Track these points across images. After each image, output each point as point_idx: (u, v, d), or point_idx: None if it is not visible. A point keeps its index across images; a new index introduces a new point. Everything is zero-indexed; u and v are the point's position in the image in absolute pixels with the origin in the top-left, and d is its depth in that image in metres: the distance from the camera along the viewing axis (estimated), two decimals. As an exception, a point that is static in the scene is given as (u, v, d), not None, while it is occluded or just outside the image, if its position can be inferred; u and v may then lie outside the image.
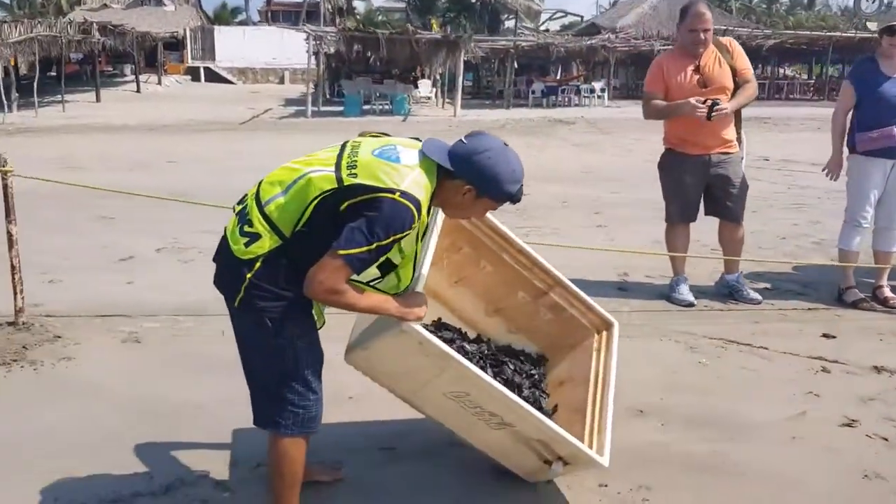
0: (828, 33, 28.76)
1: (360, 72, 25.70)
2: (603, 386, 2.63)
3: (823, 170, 4.81)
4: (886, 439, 3.03)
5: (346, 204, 2.01)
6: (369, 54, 22.80)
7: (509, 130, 16.92)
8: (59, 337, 4.03)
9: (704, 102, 4.24)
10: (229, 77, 37.95)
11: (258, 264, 2.06)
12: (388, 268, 2.18)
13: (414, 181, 2.02)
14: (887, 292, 4.63)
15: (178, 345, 3.98)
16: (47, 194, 6.87)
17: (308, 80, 22.85)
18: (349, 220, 1.99)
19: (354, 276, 2.06)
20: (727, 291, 4.75)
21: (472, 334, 2.85)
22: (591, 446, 2.45)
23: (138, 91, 29.04)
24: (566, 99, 25.10)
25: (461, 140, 2.15)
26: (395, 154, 2.07)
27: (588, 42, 26.71)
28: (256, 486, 2.65)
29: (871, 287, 4.70)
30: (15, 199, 4.13)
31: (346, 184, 2.01)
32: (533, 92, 24.96)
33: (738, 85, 4.45)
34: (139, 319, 4.31)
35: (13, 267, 4.17)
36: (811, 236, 6.50)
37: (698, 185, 4.56)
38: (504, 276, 2.83)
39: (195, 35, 38.48)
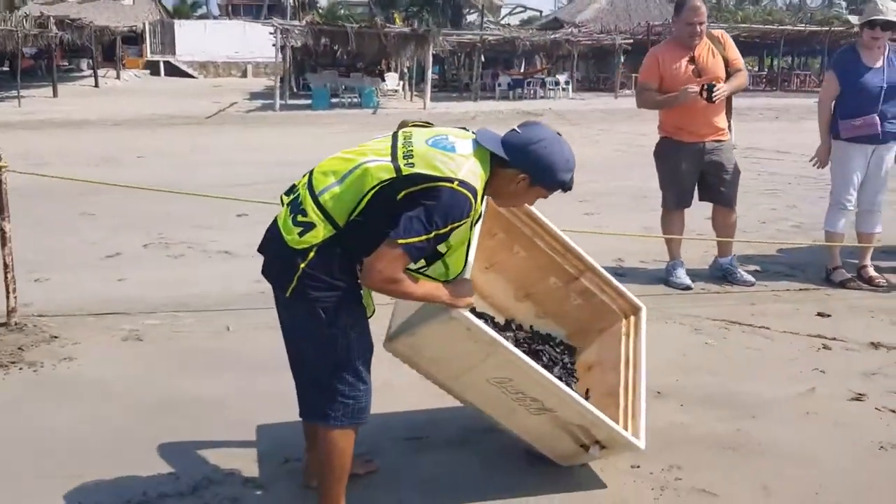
0: (779, 27, 29.41)
1: (325, 65, 25.53)
2: (635, 370, 2.67)
3: (811, 160, 4.90)
4: (894, 411, 3.13)
5: (403, 193, 2.01)
6: (336, 47, 22.64)
7: (480, 122, 16.96)
8: (55, 337, 3.93)
9: (701, 87, 4.33)
10: (190, 71, 37.38)
11: (312, 254, 2.05)
12: (433, 257, 2.18)
13: (470, 170, 2.04)
14: (871, 272, 4.78)
15: (183, 341, 3.92)
16: (25, 191, 6.69)
17: (275, 74, 22.59)
18: (406, 210, 1.99)
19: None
20: (721, 274, 4.85)
21: (500, 320, 2.86)
22: (626, 429, 2.50)
23: (97, 86, 28.43)
24: (532, 91, 25.31)
25: (514, 129, 2.17)
26: (449, 143, 2.08)
27: (552, 36, 26.99)
28: (287, 482, 2.63)
29: (856, 267, 4.84)
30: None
31: (404, 173, 2.01)
32: (499, 85, 25.15)
33: (730, 75, 4.56)
34: (138, 317, 4.23)
35: (6, 265, 4.06)
36: (790, 220, 6.67)
37: (694, 173, 4.65)
38: (537, 261, 2.85)
39: (154, 29, 37.83)
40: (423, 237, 1.97)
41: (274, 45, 21.91)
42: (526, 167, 2.11)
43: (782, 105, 21.43)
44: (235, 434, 2.93)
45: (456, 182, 1.99)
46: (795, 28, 29.16)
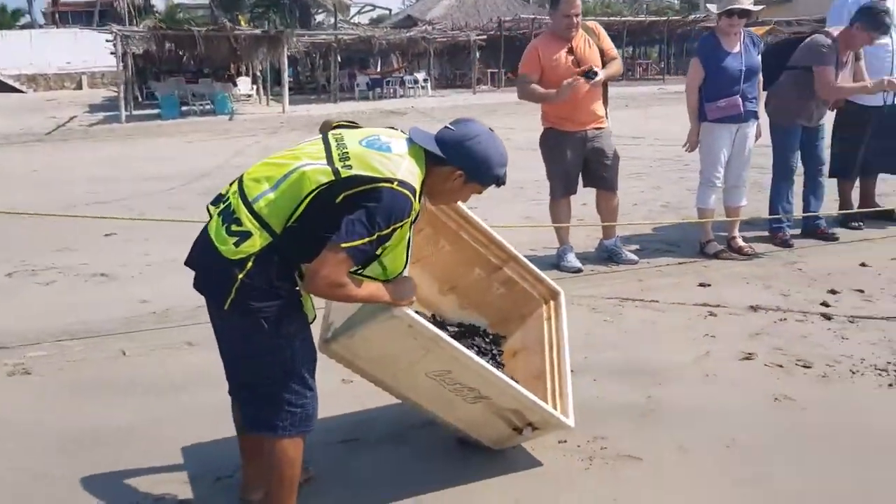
0: (622, 19, 31.10)
1: (170, 72, 24.34)
2: (559, 351, 2.79)
3: (684, 144, 5.23)
4: (782, 366, 3.45)
5: (343, 196, 1.99)
6: (182, 53, 21.67)
7: (343, 124, 16.83)
8: (-72, 383, 3.57)
9: (584, 71, 4.56)
10: (17, 85, 34.48)
11: (250, 263, 1.99)
12: (370, 258, 2.17)
13: (408, 169, 2.05)
14: (740, 242, 5.21)
15: (77, 371, 3.66)
16: None
17: (115, 83, 21.30)
18: (346, 212, 1.97)
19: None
20: (607, 255, 5.12)
21: (427, 314, 2.89)
22: (556, 409, 2.61)
23: None
24: (391, 90, 25.35)
25: (447, 126, 2.20)
26: (383, 143, 2.08)
27: (408, 34, 27.12)
28: (223, 499, 2.55)
29: (726, 238, 5.25)
30: None
31: (343, 175, 1.99)
32: (358, 85, 25.02)
33: (605, 63, 4.81)
34: (19, 350, 3.90)
35: None
36: (658, 200, 7.11)
37: (578, 160, 4.87)
38: (462, 254, 2.90)
39: (-28, 43, 34.61)
40: (367, 239, 1.96)
41: (113, 52, 20.64)
42: (462, 164, 2.14)
43: (629, 93, 22.68)
44: (158, 459, 2.80)
45: (395, 182, 1.99)
46: (636, 19, 30.96)
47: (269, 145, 13.03)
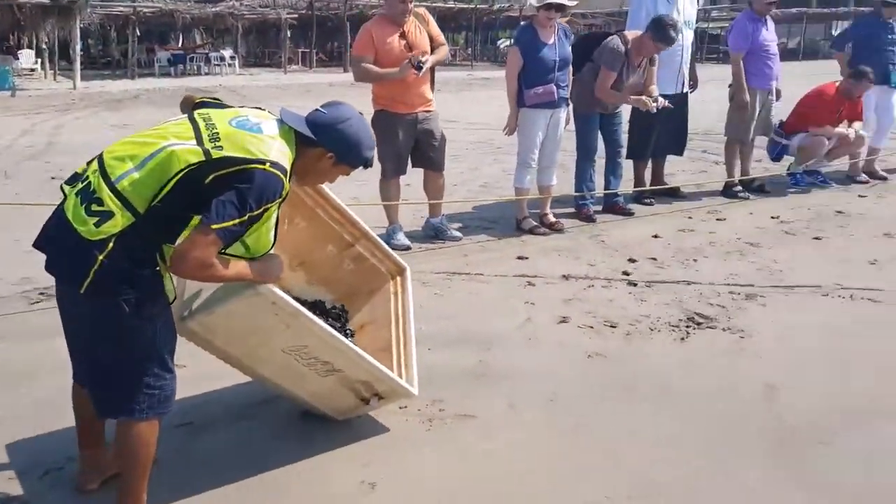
0: (431, 4, 31.69)
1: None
2: (404, 325, 2.93)
3: (504, 128, 5.54)
4: (592, 327, 3.84)
5: (212, 176, 1.97)
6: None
7: (145, 101, 15.87)
8: None
9: (410, 60, 4.70)
10: None
11: (111, 244, 1.93)
12: None
13: (279, 150, 2.06)
14: (552, 218, 5.65)
15: None
16: None
17: None
18: (216, 193, 1.96)
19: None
20: (433, 233, 5.34)
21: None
22: (402, 379, 2.75)
23: None
24: (196, 67, 24.13)
25: (319, 109, 2.23)
26: (254, 124, 2.09)
27: (214, 9, 25.86)
28: (55, 492, 2.45)
29: (539, 215, 5.67)
30: None
31: (214, 156, 1.98)
32: (158, 61, 23.55)
33: (434, 49, 5.01)
34: None
35: None
36: (476, 181, 7.48)
37: (409, 141, 5.02)
38: (316, 230, 2.93)
39: None
40: (237, 220, 1.96)
41: None
42: (333, 146, 2.19)
43: (441, 78, 23.28)
44: (-23, 457, 2.61)
45: (267, 163, 2.00)
46: (445, 5, 31.67)
47: (63, 123, 12.04)
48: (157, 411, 2.14)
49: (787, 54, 32.52)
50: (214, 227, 1.93)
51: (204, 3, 27.03)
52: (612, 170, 6.07)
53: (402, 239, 5.07)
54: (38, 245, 2.06)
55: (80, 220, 1.96)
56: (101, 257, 1.93)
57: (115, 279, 1.96)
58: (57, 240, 2.02)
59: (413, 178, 5.49)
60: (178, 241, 2.04)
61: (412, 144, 5.06)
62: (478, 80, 23.56)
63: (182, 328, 2.30)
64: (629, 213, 6.07)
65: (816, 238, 5.42)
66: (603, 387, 3.24)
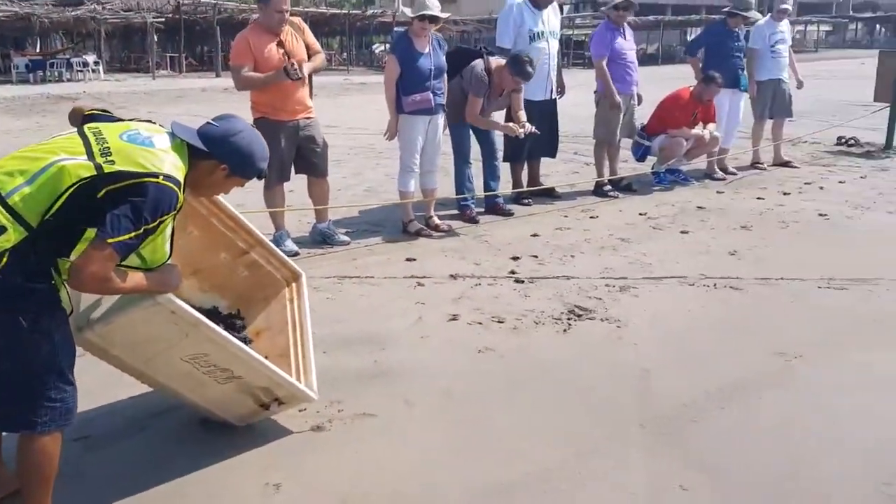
0: (304, 9, 31.43)
1: None
2: (302, 330, 2.96)
3: (385, 134, 5.63)
4: (481, 323, 3.99)
5: (105, 190, 1.97)
6: None
7: (2, 110, 14.86)
8: None
9: (290, 65, 4.72)
10: None
11: (5, 259, 1.90)
12: None
13: (172, 164, 2.08)
14: (437, 220, 5.80)
15: None
16: None
17: None
18: (110, 207, 1.96)
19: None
20: (321, 238, 5.37)
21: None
22: (301, 384, 2.79)
23: None
24: (57, 74, 22.78)
25: (210, 122, 2.25)
26: (145, 138, 2.09)
27: (74, 13, 24.47)
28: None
29: (424, 218, 5.80)
30: None
31: (106, 171, 1.97)
32: (16, 67, 22.06)
33: (310, 57, 5.05)
34: None
35: None
36: (360, 185, 7.53)
37: (291, 148, 5.03)
38: (210, 238, 2.90)
39: None
40: (133, 233, 1.97)
41: None
42: (226, 158, 2.22)
43: (317, 82, 23.15)
44: None
45: (161, 176, 2.02)
46: (318, 10, 31.49)
47: None
48: (59, 424, 2.11)
49: (647, 59, 34.54)
50: (110, 241, 1.94)
51: (63, 6, 25.53)
52: (490, 173, 6.30)
53: (290, 245, 5.07)
54: None
55: None
56: None
57: (10, 294, 1.93)
58: None
59: (296, 185, 5.49)
60: (73, 254, 2.01)
61: (294, 151, 5.07)
62: (355, 84, 23.52)
63: (80, 339, 2.25)
64: (509, 214, 6.31)
65: (681, 232, 5.84)
66: (494, 379, 3.39)
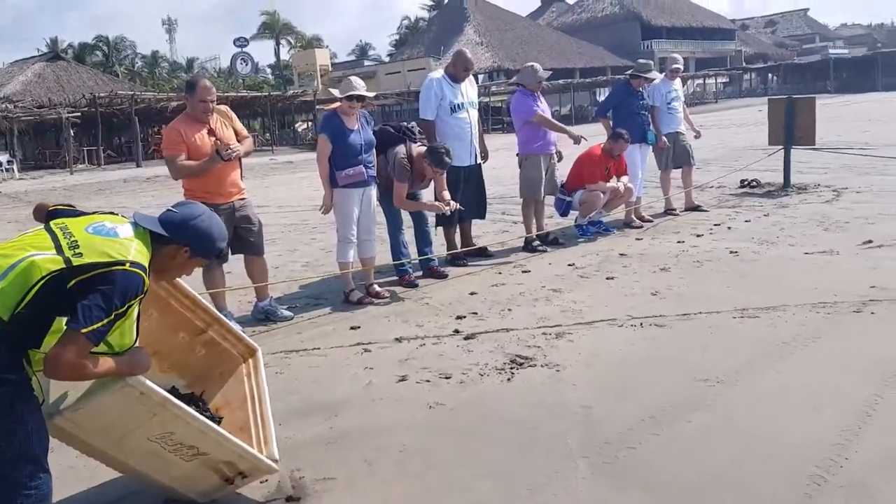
0: (224, 94, 31.80)
1: None
2: (261, 403, 3.11)
3: (320, 208, 5.88)
4: (429, 381, 4.20)
5: (75, 281, 2.11)
6: None
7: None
8: None
9: (218, 150, 5.00)
10: None
11: None
12: None
13: (137, 250, 2.25)
14: (377, 287, 6.03)
15: None
16: None
17: None
18: (79, 297, 2.10)
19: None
20: (263, 316, 5.51)
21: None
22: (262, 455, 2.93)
23: None
24: (-32, 175, 22.29)
25: (171, 210, 2.46)
26: (110, 229, 2.26)
27: (-18, 112, 24.15)
28: None
29: (364, 286, 6.02)
30: None
31: (75, 263, 2.12)
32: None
33: (239, 142, 5.32)
34: None
35: None
36: (297, 261, 7.71)
37: (229, 230, 5.18)
38: (168, 319, 3.04)
39: None
40: (105, 321, 2.11)
41: None
42: (188, 241, 2.42)
43: (245, 164, 23.30)
44: None
45: (127, 263, 2.18)
46: (239, 94, 31.86)
47: None
48: None
49: (562, 120, 35.86)
50: (84, 330, 2.08)
51: (-29, 106, 25.15)
52: (422, 238, 6.60)
53: (232, 325, 5.17)
54: None
55: None
56: None
57: None
58: None
59: (233, 265, 5.64)
60: (44, 345, 2.14)
61: (231, 232, 5.25)
62: (281, 163, 23.79)
63: (49, 426, 2.35)
64: (445, 276, 6.59)
65: (607, 278, 6.21)
66: (446, 431, 3.59)
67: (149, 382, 2.38)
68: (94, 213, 2.45)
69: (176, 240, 2.42)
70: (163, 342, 3.11)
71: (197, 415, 2.59)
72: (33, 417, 2.18)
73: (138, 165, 25.51)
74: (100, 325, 2.11)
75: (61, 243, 2.18)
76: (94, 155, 28.23)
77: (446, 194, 6.34)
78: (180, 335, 3.15)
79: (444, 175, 6.34)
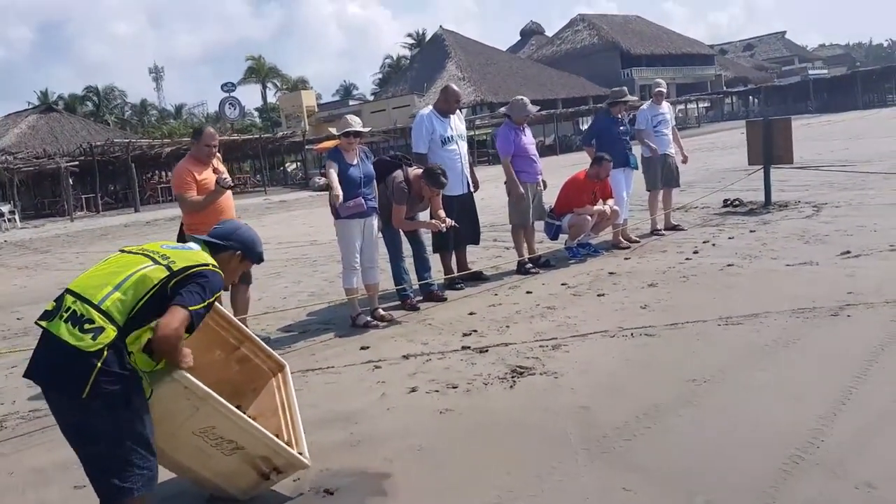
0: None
1: None
2: (291, 412, 3.44)
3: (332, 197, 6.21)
4: (438, 391, 4.53)
5: (174, 282, 2.57)
6: None
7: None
8: None
9: (218, 180, 5.51)
10: None
11: (106, 352, 2.43)
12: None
13: (210, 258, 2.74)
14: (382, 311, 6.37)
15: None
16: None
17: None
18: (180, 289, 2.55)
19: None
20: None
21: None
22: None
23: None
24: (-31, 226, 22.56)
25: (217, 227, 2.99)
26: (184, 245, 2.81)
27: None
28: None
29: (370, 310, 6.36)
30: None
31: (175, 268, 2.59)
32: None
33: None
34: None
35: None
36: (303, 292, 8.05)
37: None
38: (205, 337, 3.35)
39: None
40: (203, 304, 2.59)
41: None
42: (240, 245, 2.92)
43: (240, 205, 23.60)
44: None
45: (211, 265, 2.67)
46: (231, 138, 32.38)
47: None
48: (149, 489, 2.58)
49: (547, 150, 36.66)
50: (191, 308, 2.54)
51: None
52: (421, 264, 6.97)
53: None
54: (34, 375, 2.51)
55: (77, 338, 2.45)
56: (98, 364, 2.42)
57: (109, 381, 2.44)
58: (55, 360, 2.48)
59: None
60: (131, 337, 2.53)
61: None
62: (276, 203, 24.19)
63: None
64: (444, 299, 6.93)
65: (598, 295, 6.56)
66: (457, 432, 3.92)
67: (192, 377, 2.71)
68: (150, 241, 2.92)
69: (229, 247, 2.90)
70: (200, 360, 3.42)
71: (235, 410, 2.92)
72: (145, 407, 2.58)
73: (137, 210, 25.88)
74: (199, 306, 2.57)
75: (155, 258, 2.64)
76: (92, 202, 28.64)
77: (442, 213, 6.71)
78: (216, 352, 3.47)
79: (440, 196, 6.71)
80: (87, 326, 2.47)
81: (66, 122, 40.21)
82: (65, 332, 2.49)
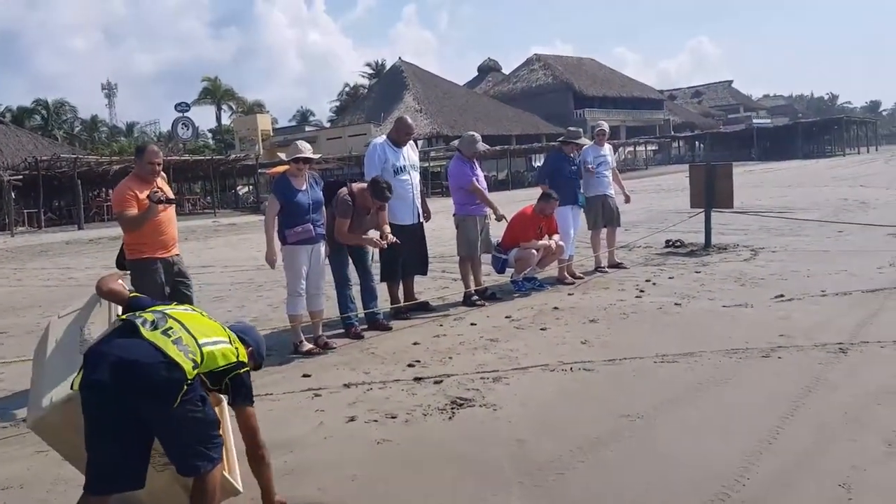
0: (178, 158, 31.84)
1: None
2: (224, 438, 3.39)
3: (267, 261, 6.22)
4: (377, 420, 4.53)
5: (233, 374, 3.20)
6: None
7: None
8: None
9: (150, 197, 5.36)
10: None
11: (193, 378, 2.93)
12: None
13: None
14: (325, 339, 6.35)
15: None
16: None
17: None
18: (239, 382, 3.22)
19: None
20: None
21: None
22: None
23: None
24: None
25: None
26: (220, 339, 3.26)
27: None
28: None
29: (314, 338, 6.33)
30: None
31: (239, 360, 3.19)
32: None
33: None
34: None
35: None
36: (245, 317, 7.90)
37: (169, 282, 5.52)
38: None
39: None
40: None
41: None
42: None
43: (185, 227, 23.26)
44: None
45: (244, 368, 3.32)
46: (182, 158, 31.96)
47: None
48: (220, 456, 3.02)
49: (499, 185, 37.14)
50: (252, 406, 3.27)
51: None
52: (368, 293, 6.98)
53: None
54: (99, 377, 2.78)
55: (181, 358, 2.89)
56: (188, 384, 2.88)
57: (195, 388, 2.94)
58: (151, 377, 2.81)
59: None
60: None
61: (172, 286, 5.53)
62: (224, 225, 23.87)
63: (39, 423, 2.68)
64: (389, 328, 6.94)
65: (541, 329, 6.66)
66: (393, 463, 3.92)
67: None
68: (184, 305, 3.47)
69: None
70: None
71: None
72: (208, 401, 3.06)
73: (80, 228, 25.24)
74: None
75: (231, 339, 3.22)
76: (35, 218, 27.79)
77: (387, 228, 6.74)
78: None
79: (386, 210, 6.77)
80: (189, 355, 2.93)
81: (11, 134, 39.02)
82: (170, 352, 2.88)
